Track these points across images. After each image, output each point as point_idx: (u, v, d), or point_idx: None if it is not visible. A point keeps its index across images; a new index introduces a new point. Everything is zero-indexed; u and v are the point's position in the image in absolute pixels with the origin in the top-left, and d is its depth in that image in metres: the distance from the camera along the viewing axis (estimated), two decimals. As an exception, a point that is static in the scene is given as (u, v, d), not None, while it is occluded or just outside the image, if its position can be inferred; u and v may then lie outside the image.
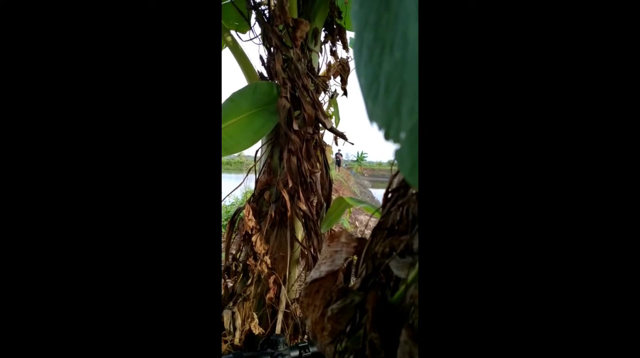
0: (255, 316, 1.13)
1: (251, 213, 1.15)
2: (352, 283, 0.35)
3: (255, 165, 1.25)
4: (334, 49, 1.38)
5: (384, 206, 0.34)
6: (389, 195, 0.34)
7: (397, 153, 0.14)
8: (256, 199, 1.21)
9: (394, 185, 0.34)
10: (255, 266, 1.13)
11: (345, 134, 1.30)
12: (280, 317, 1.15)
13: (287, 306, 1.18)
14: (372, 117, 0.15)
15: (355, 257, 0.37)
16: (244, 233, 1.16)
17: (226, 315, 1.11)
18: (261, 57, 1.24)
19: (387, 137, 0.14)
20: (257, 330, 1.10)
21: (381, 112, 0.14)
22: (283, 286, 1.17)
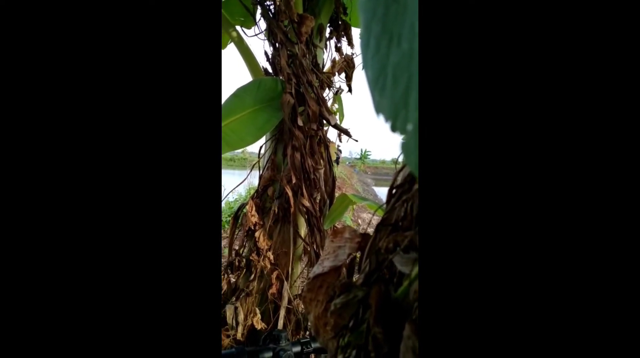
0: (257, 311, 1.13)
1: (254, 208, 1.15)
2: (355, 278, 0.35)
3: (259, 161, 1.25)
4: (339, 45, 1.38)
5: (388, 202, 0.34)
6: (394, 191, 0.33)
7: (404, 146, 0.14)
8: (260, 195, 1.21)
9: (399, 181, 0.33)
10: (258, 261, 1.14)
11: (349, 130, 1.30)
12: (282, 312, 1.15)
13: (290, 302, 1.18)
14: (378, 109, 0.15)
15: (359, 253, 0.37)
16: (247, 228, 1.16)
17: (229, 310, 1.12)
18: (266, 53, 1.23)
19: (393, 129, 0.14)
20: (259, 325, 1.11)
21: (388, 104, 0.14)
22: (285, 282, 1.17)
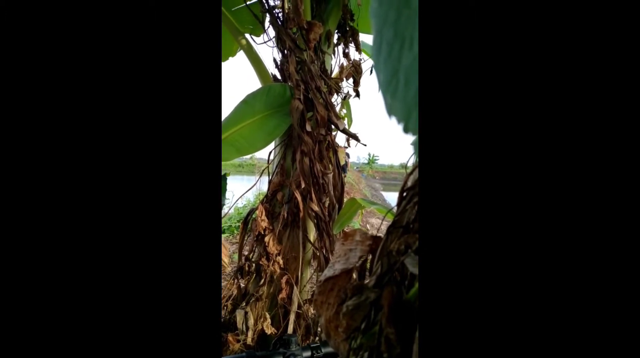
0: (267, 316, 1.13)
1: (264, 213, 1.16)
2: (366, 281, 0.35)
3: (268, 166, 1.27)
4: (346, 51, 1.39)
5: (399, 204, 0.34)
6: (404, 193, 0.34)
7: (416, 146, 0.14)
8: (269, 200, 1.22)
9: (409, 183, 0.34)
10: (268, 266, 1.14)
11: (357, 135, 1.30)
12: (292, 317, 1.15)
13: (299, 306, 1.18)
14: (391, 111, 0.15)
15: (370, 256, 0.37)
16: (256, 233, 1.17)
17: (239, 315, 1.12)
18: (275, 60, 1.25)
19: (406, 130, 0.15)
20: (269, 329, 1.11)
21: (400, 106, 0.15)
22: (295, 287, 1.17)
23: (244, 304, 1.16)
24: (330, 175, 1.22)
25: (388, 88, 0.16)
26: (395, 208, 0.36)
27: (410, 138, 0.17)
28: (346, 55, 1.39)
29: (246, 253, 1.27)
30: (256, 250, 1.23)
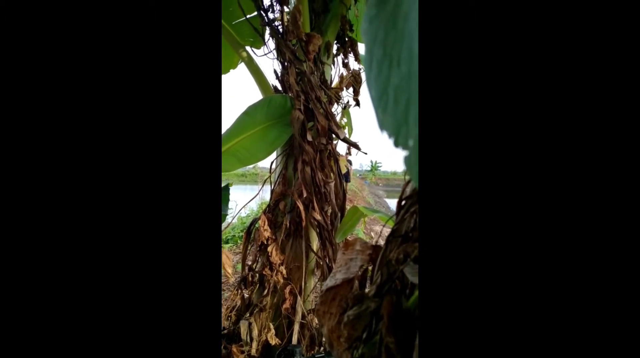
0: (271, 326, 1.13)
1: (267, 223, 1.16)
2: (367, 290, 0.35)
3: (270, 176, 1.27)
4: (346, 61, 1.41)
5: (397, 213, 0.35)
6: (403, 203, 0.34)
7: (406, 159, 0.15)
8: (271, 210, 1.23)
9: (407, 193, 0.34)
10: (271, 276, 1.14)
11: (358, 143, 1.31)
12: (296, 327, 1.14)
13: (303, 316, 1.17)
14: (382, 126, 0.16)
15: (371, 265, 0.37)
16: (260, 243, 1.17)
17: (243, 326, 1.12)
18: (275, 72, 1.27)
19: (396, 144, 0.15)
20: (273, 340, 1.10)
21: (391, 121, 0.15)
22: (299, 297, 1.17)
23: (248, 315, 1.16)
24: (332, 184, 1.22)
25: (379, 104, 0.16)
26: (395, 216, 0.36)
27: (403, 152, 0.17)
28: (345, 65, 1.41)
29: (249, 263, 1.27)
30: (259, 260, 1.23)
